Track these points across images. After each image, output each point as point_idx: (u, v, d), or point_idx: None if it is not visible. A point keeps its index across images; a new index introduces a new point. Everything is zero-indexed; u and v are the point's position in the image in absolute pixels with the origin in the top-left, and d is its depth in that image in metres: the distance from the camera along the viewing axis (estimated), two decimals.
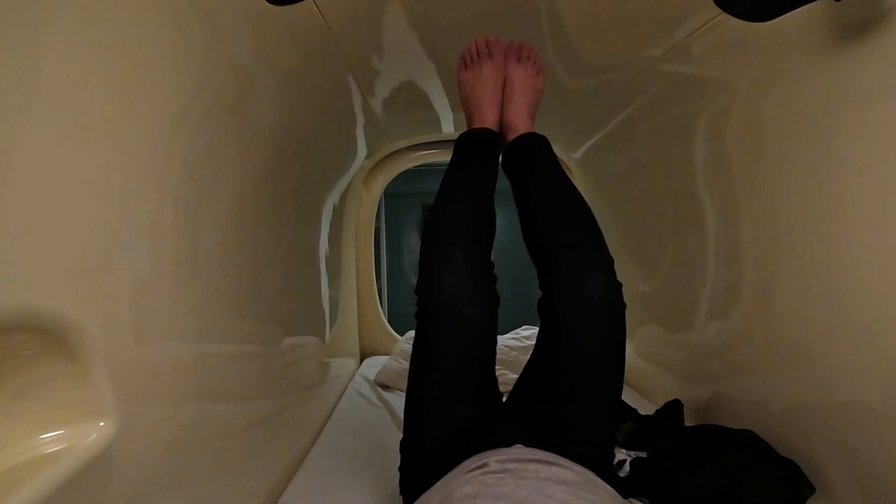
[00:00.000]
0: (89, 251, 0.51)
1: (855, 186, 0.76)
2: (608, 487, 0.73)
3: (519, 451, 0.77)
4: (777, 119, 0.91)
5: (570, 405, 0.80)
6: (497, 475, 0.68)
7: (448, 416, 0.81)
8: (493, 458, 0.73)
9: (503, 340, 1.92)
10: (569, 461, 0.75)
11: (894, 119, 0.68)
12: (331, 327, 1.60)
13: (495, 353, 0.88)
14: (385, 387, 1.73)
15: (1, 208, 0.41)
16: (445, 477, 0.75)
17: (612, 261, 0.86)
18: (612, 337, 0.81)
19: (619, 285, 0.84)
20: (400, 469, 0.88)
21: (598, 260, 0.85)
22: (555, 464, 0.72)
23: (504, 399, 0.95)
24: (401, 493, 0.88)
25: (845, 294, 0.79)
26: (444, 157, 2.12)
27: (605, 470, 0.79)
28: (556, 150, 2.06)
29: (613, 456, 0.90)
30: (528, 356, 0.95)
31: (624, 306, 0.84)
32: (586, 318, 0.80)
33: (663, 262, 1.46)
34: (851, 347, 0.78)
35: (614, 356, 0.82)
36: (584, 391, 0.80)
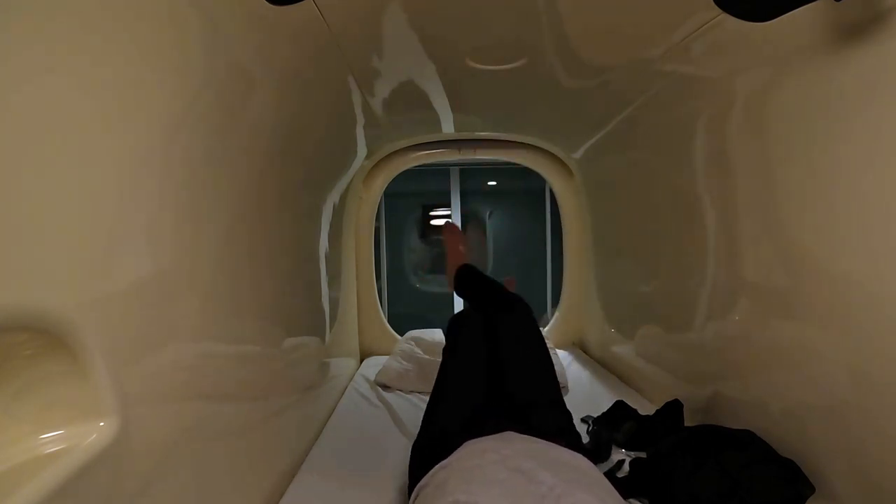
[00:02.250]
0: (90, 251, 0.51)
1: (855, 186, 0.76)
2: (598, 473, 0.77)
3: (510, 435, 0.86)
4: (777, 119, 0.91)
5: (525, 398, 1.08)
6: (489, 464, 0.72)
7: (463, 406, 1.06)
8: (486, 444, 0.79)
9: None
10: (558, 446, 0.81)
11: (894, 118, 0.68)
12: (331, 327, 1.60)
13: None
14: (385, 387, 1.73)
15: (1, 208, 0.41)
16: (441, 463, 0.80)
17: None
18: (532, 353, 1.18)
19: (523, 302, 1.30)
20: (413, 447, 1.01)
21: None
22: (545, 451, 0.78)
23: None
24: (409, 470, 0.97)
25: (845, 294, 0.79)
26: (444, 157, 2.13)
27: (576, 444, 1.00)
28: (556, 150, 2.07)
29: (607, 455, 1.12)
30: None
31: (533, 316, 1.27)
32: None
33: (663, 263, 1.46)
34: (851, 347, 0.78)
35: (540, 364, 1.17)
36: (531, 394, 1.10)
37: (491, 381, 1.14)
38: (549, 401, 1.08)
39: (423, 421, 1.07)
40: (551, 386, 1.12)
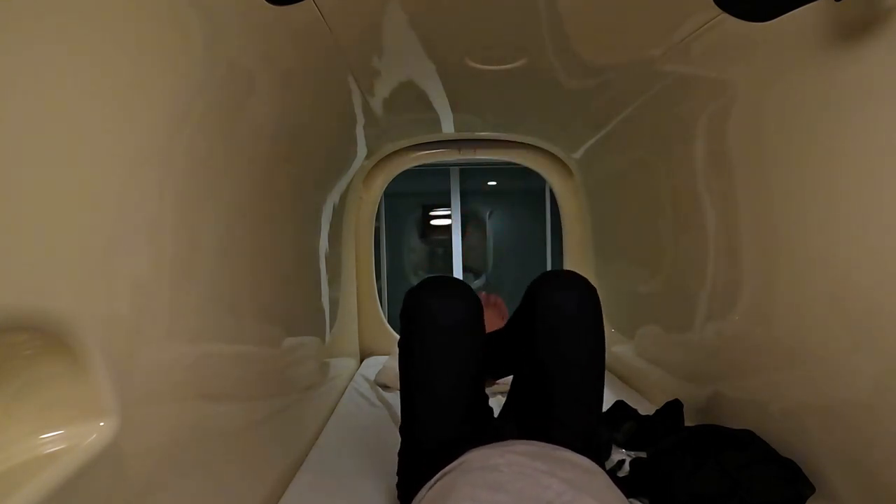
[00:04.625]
0: (89, 251, 0.51)
1: (854, 187, 0.76)
2: (606, 478, 0.75)
3: (514, 442, 0.79)
4: (777, 119, 0.91)
5: (559, 414, 0.87)
6: (495, 469, 0.70)
7: (439, 436, 0.84)
8: (490, 450, 0.76)
9: None
10: (566, 449, 0.78)
11: (894, 119, 0.68)
12: (331, 327, 1.60)
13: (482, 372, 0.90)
14: (385, 387, 1.73)
15: (1, 208, 0.41)
16: (446, 469, 0.77)
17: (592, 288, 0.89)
18: (595, 358, 0.88)
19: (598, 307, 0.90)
20: (399, 461, 0.92)
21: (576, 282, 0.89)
22: (551, 452, 0.75)
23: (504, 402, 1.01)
24: (398, 486, 0.92)
25: (845, 294, 0.79)
26: (444, 157, 2.13)
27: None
28: (557, 150, 2.07)
29: (607, 455, 1.05)
30: None
31: (602, 327, 0.89)
32: (572, 342, 0.85)
33: (663, 263, 1.46)
34: (850, 347, 0.78)
35: (597, 377, 0.89)
36: (570, 405, 0.87)
37: (518, 398, 0.94)
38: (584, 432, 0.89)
39: (400, 431, 0.90)
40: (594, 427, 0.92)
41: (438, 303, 0.82)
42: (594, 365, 0.88)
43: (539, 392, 0.88)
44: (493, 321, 1.28)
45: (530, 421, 0.89)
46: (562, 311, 0.84)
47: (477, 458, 0.75)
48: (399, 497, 0.92)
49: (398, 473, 0.93)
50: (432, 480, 0.77)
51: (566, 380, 0.86)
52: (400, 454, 0.92)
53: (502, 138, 2.05)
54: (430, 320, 0.81)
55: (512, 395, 0.98)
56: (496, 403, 1.12)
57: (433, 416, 0.84)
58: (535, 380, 0.89)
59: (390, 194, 2.62)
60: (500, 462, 0.71)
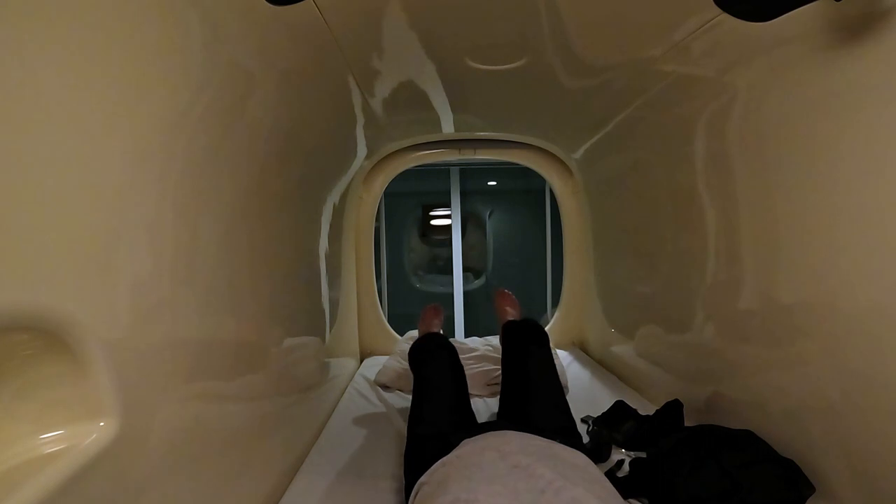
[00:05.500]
0: (90, 251, 0.51)
1: (854, 186, 0.76)
2: (597, 471, 0.78)
3: (508, 433, 0.86)
4: (777, 119, 0.91)
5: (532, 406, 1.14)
6: (490, 463, 0.73)
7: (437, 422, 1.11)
8: (485, 443, 0.80)
9: (495, 339, 1.94)
10: (557, 443, 0.82)
11: (894, 118, 0.68)
12: (331, 327, 1.60)
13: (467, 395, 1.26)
14: (385, 387, 1.73)
15: (2, 208, 0.41)
16: (442, 460, 0.81)
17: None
18: (548, 373, 1.25)
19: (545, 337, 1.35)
20: (405, 449, 1.04)
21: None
22: (544, 447, 0.78)
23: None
24: (404, 473, 0.99)
25: (844, 294, 0.79)
26: (444, 157, 2.13)
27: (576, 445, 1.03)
28: (556, 150, 2.07)
29: (607, 455, 1.14)
30: None
31: (550, 354, 1.32)
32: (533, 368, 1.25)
33: (663, 262, 1.46)
34: (850, 347, 0.78)
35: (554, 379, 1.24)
36: (539, 400, 1.16)
37: (508, 407, 1.21)
38: (563, 427, 1.09)
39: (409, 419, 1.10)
40: (567, 414, 1.14)
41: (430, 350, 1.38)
42: (552, 384, 1.23)
43: (517, 385, 1.21)
44: (509, 310, 1.74)
45: (515, 404, 1.16)
46: (529, 376, 1.23)
47: (472, 450, 0.78)
48: (405, 474, 0.97)
49: (404, 456, 1.00)
50: (431, 469, 0.80)
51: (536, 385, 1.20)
52: (407, 439, 1.06)
53: (502, 138, 2.05)
54: (424, 359, 1.34)
55: (503, 389, 1.26)
56: (495, 403, 1.16)
57: (433, 404, 1.15)
58: (514, 377, 1.26)
59: (390, 194, 2.62)
60: (495, 455, 0.74)
